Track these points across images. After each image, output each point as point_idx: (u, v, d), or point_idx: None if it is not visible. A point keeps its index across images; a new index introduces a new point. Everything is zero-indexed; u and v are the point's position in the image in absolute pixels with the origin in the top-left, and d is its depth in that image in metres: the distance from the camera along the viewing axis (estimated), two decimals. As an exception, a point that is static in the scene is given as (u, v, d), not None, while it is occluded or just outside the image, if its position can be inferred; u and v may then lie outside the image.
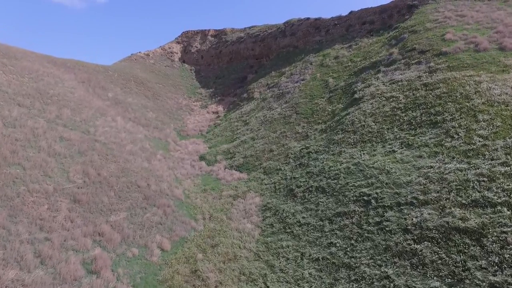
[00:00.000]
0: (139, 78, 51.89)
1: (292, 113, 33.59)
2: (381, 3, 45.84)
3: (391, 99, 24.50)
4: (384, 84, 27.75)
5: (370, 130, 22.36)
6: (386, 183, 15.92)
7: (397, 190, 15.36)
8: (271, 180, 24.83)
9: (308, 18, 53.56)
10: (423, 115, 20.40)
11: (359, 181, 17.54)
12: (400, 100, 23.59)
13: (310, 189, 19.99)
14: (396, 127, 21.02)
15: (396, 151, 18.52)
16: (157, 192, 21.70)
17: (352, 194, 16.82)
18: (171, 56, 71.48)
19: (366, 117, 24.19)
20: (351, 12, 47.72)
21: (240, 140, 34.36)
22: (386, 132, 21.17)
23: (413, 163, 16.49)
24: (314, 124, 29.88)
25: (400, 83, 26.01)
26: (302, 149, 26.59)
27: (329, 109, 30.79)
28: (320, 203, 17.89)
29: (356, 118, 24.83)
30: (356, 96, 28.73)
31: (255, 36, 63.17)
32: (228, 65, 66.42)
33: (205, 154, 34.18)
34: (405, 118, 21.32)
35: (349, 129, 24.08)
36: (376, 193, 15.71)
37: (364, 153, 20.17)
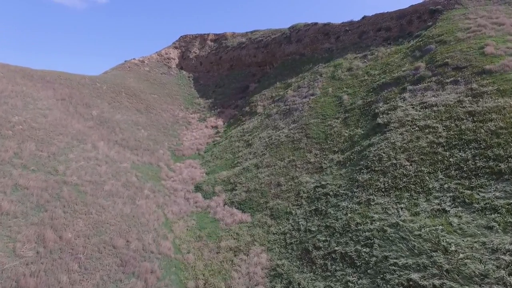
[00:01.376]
0: (131, 89, 47.49)
1: (302, 137, 29.12)
2: (395, 8, 41.34)
3: (427, 130, 20.01)
4: (413, 107, 23.25)
5: (405, 172, 17.86)
6: (447, 270, 11.44)
7: None
8: (280, 229, 20.38)
9: (316, 23, 49.07)
10: (477, 157, 15.90)
11: (403, 256, 13.06)
12: (440, 133, 19.09)
13: (333, 255, 15.51)
14: (441, 172, 16.52)
15: (449, 211, 14.03)
16: (139, 251, 17.28)
17: (396, 279, 12.34)
18: (168, 62, 67.09)
19: (396, 152, 19.69)
20: (364, 17, 43.20)
21: (242, 167, 29.90)
22: (427, 177, 16.68)
23: (481, 238, 12.01)
24: (328, 153, 25.41)
25: (435, 108, 21.51)
26: (316, 186, 22.12)
27: (346, 134, 26.30)
28: (350, 284, 13.40)
29: (384, 152, 20.33)
30: (379, 120, 24.22)
31: (258, 41, 58.72)
32: (228, 73, 62.01)
33: (202, 183, 29.74)
34: (450, 159, 16.82)
35: (376, 168, 19.58)
36: (434, 285, 11.22)
37: (402, 208, 15.69)
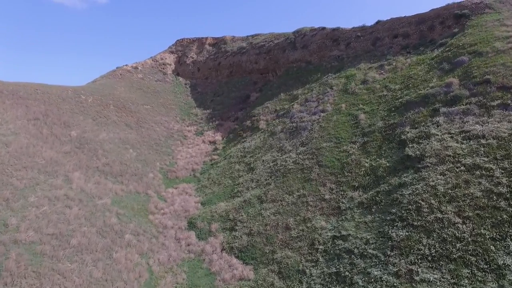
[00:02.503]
0: (121, 101, 43.26)
1: (313, 164, 24.88)
2: (407, 12, 37.13)
3: (478, 172, 15.78)
4: (453, 137, 19.02)
5: (457, 234, 13.64)
6: None
7: None
8: (291, 296, 16.15)
9: (323, 28, 44.84)
10: (563, 224, 11.66)
11: None
12: (498, 178, 14.87)
13: None
14: (511, 239, 12.30)
15: (540, 313, 9.78)
16: None
17: None
18: (163, 68, 62.88)
19: (440, 201, 15.46)
20: (378, 22, 38.98)
21: (242, 199, 25.67)
22: (492, 247, 12.45)
23: None
24: (347, 188, 21.19)
25: (483, 141, 17.28)
26: (335, 237, 17.90)
27: (366, 164, 22.07)
28: None
29: (423, 199, 16.10)
30: (409, 151, 19.98)
31: (259, 46, 54.49)
32: (228, 80, 57.78)
33: (197, 218, 25.50)
34: (522, 221, 12.58)
35: (414, 221, 15.35)
36: None
37: (463, 295, 11.47)
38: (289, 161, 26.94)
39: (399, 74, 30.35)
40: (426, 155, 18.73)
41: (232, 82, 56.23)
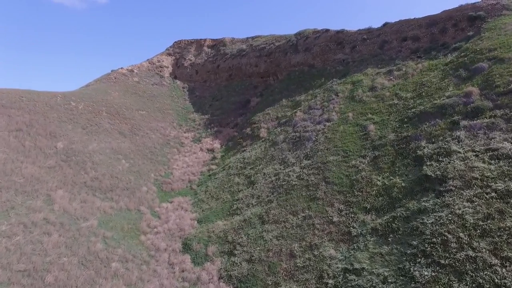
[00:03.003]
0: (114, 107, 41.18)
1: (319, 181, 22.81)
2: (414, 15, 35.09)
3: (510, 199, 13.73)
4: (478, 156, 16.96)
5: (496, 279, 11.57)
6: None
7: None
8: None
9: (327, 30, 42.77)
10: None
11: None
12: (538, 209, 12.79)
13: None
14: None
15: None
16: None
17: None
18: (160, 71, 60.81)
19: (471, 235, 13.40)
20: (385, 24, 36.92)
21: (242, 217, 23.61)
22: (540, 299, 10.38)
23: None
24: (357, 210, 19.14)
25: (516, 163, 15.22)
26: (346, 270, 15.84)
27: (378, 183, 20.02)
28: None
29: (449, 232, 14.03)
30: (427, 171, 17.92)
31: (260, 49, 52.41)
32: (227, 83, 55.71)
33: (192, 239, 23.43)
34: None
35: (440, 258, 13.28)
36: None
37: None
38: (293, 175, 24.86)
39: (410, 80, 28.29)
40: (449, 176, 16.66)
41: (231, 86, 54.17)
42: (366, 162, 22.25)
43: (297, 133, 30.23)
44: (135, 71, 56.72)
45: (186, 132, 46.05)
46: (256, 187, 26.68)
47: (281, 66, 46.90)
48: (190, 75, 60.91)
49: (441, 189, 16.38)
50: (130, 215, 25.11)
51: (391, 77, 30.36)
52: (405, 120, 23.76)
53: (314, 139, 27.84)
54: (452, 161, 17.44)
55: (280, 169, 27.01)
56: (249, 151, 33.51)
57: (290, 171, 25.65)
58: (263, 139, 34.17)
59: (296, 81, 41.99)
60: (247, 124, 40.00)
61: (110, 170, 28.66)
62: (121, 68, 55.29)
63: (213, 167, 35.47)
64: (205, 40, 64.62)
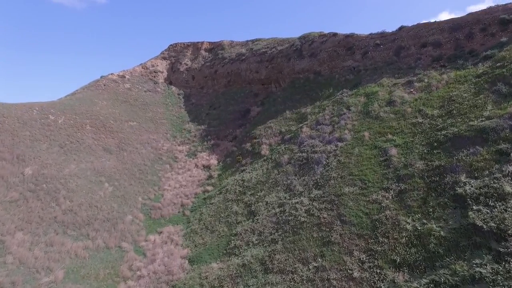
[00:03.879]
0: (100, 118, 37.35)
1: (333, 219, 19.01)
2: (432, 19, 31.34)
3: None
4: (544, 203, 13.11)
5: None
6: None
7: None
8: None
9: (335, 34, 38.93)
10: None
11: None
12: None
13: None
14: None
15: None
16: None
17: None
18: (154, 76, 56.97)
19: (560, 333, 9.55)
20: (401, 28, 33.08)
21: (241, 260, 19.80)
22: None
23: None
24: (385, 264, 15.32)
25: None
26: None
27: (408, 227, 16.21)
28: None
29: (524, 322, 10.20)
30: (476, 220, 14.10)
31: (261, 53, 48.57)
32: (225, 90, 51.89)
33: (181, 287, 19.62)
34: None
35: None
36: None
37: None
38: (301, 209, 21.04)
39: (435, 94, 24.46)
40: (509, 231, 12.83)
41: (230, 93, 50.33)
42: (390, 198, 18.44)
43: (304, 154, 26.40)
44: (127, 76, 52.88)
45: (181, 145, 42.25)
46: (257, 219, 22.86)
47: (284, 73, 43.08)
48: (186, 80, 57.08)
49: (501, 249, 12.56)
50: (109, 255, 21.31)
51: (412, 90, 26.53)
52: (435, 144, 19.94)
53: (324, 162, 24.01)
54: (509, 209, 13.62)
55: (286, 198, 23.19)
56: (249, 172, 29.71)
57: (298, 202, 21.82)
58: (264, 158, 30.35)
59: (301, 90, 38.15)
60: (247, 138, 36.18)
61: (89, 197, 24.85)
62: (112, 74, 51.43)
63: (209, 188, 31.68)
64: (202, 43, 60.79)
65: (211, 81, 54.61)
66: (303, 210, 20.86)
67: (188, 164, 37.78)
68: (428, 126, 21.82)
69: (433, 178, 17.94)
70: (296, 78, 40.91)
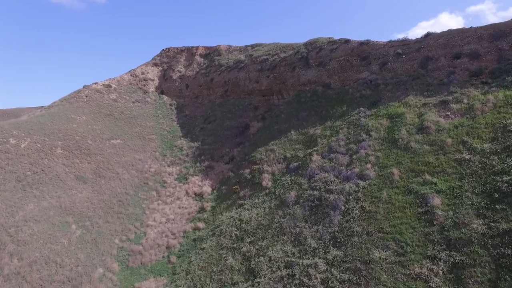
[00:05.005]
0: (76, 138, 32.32)
1: (362, 300, 13.97)
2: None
3: None
4: None
5: None
6: None
7: None
8: None
9: (347, 40, 33.93)
10: None
11: None
12: None
13: None
14: None
15: None
16: None
17: None
18: (144, 85, 51.92)
19: None
20: (428, 35, 28.11)
21: None
22: None
23: None
24: None
25: None
26: None
27: (476, 329, 11.15)
28: None
29: None
30: None
31: (261, 61, 43.56)
32: (222, 101, 46.88)
33: None
34: None
35: None
36: None
37: None
38: (315, 277, 16.03)
39: (481, 121, 19.48)
40: None
41: (227, 105, 45.31)
42: (441, 274, 13.46)
43: (315, 192, 21.38)
44: (113, 86, 47.82)
45: (171, 166, 37.21)
46: (258, 283, 17.83)
47: (288, 84, 38.08)
48: (179, 89, 52.05)
49: None
50: (65, 336, 16.25)
51: (448, 113, 21.55)
52: (495, 195, 14.98)
53: (343, 207, 19.00)
54: None
55: (294, 255, 18.17)
56: (248, 208, 24.69)
57: (311, 265, 16.80)
58: (266, 191, 25.33)
59: (308, 105, 33.14)
60: (246, 162, 31.15)
61: (46, 250, 19.81)
62: (96, 83, 46.36)
63: (201, 225, 26.65)
64: (197, 47, 55.76)
65: (207, 91, 49.60)
66: (319, 280, 15.84)
67: (177, 191, 32.74)
68: (480, 166, 16.84)
69: (502, 249, 12.97)
70: (302, 91, 35.90)
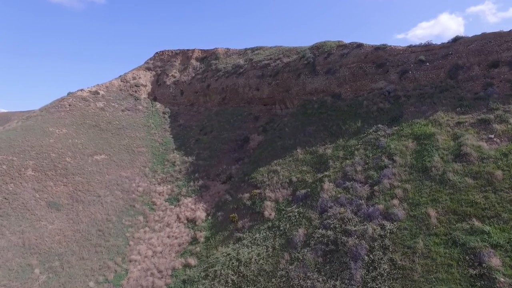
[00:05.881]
0: (52, 156, 28.48)
1: None
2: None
3: None
4: None
5: None
6: None
7: None
8: None
9: (360, 45, 30.10)
10: None
11: None
12: None
13: None
14: None
15: None
16: None
17: None
18: (136, 91, 48.06)
19: None
20: (457, 40, 24.27)
21: None
22: None
23: None
24: None
25: None
26: None
27: None
28: None
29: None
30: None
31: (262, 66, 39.71)
32: (219, 109, 43.03)
33: None
34: None
35: None
36: None
37: None
38: None
39: (538, 148, 15.62)
40: None
41: (224, 114, 41.46)
42: None
43: (329, 232, 17.53)
44: (101, 92, 43.95)
45: (161, 184, 33.34)
46: None
47: (292, 92, 34.24)
48: (173, 96, 48.20)
49: None
50: None
51: (492, 136, 17.71)
52: None
53: (366, 258, 15.14)
54: None
55: (306, 322, 14.28)
56: (247, 245, 20.84)
57: None
58: (269, 223, 21.48)
59: (316, 118, 29.28)
60: (245, 184, 27.30)
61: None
62: (81, 90, 42.49)
63: (192, 261, 22.77)
64: (193, 51, 51.89)
65: (203, 98, 45.76)
66: None
67: (168, 215, 28.89)
68: (548, 212, 12.99)
69: None
70: (308, 101, 32.05)
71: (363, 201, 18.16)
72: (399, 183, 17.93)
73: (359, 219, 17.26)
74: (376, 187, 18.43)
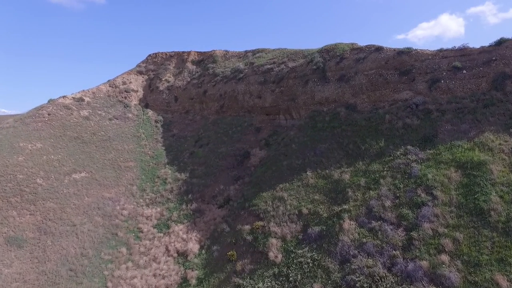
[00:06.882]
0: (19, 178, 24.42)
1: None
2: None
3: None
4: None
5: None
6: None
7: None
8: None
9: (378, 48, 25.97)
10: None
11: None
12: None
13: None
14: None
15: None
16: None
17: None
18: (125, 97, 43.96)
19: None
20: (501, 43, 20.18)
21: None
22: None
23: None
24: None
25: None
26: None
27: None
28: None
29: None
30: None
31: (265, 71, 35.59)
32: (217, 118, 38.93)
33: None
34: None
35: None
36: None
37: None
38: None
39: None
40: None
41: (222, 124, 37.35)
42: None
43: (353, 285, 13.40)
44: (86, 99, 39.86)
45: (150, 206, 29.23)
46: None
47: (299, 101, 30.16)
48: (167, 102, 44.11)
49: None
50: None
51: None
52: None
53: None
54: None
55: None
56: (248, 297, 16.69)
57: None
58: (275, 270, 17.36)
59: (327, 133, 25.16)
60: (245, 212, 23.18)
61: None
62: (64, 96, 38.39)
63: (181, 312, 18.62)
64: (188, 53, 47.79)
65: (199, 105, 41.69)
66: None
67: (155, 246, 24.78)
68: None
69: None
70: (317, 112, 27.97)
71: (398, 251, 14.06)
72: (445, 230, 13.83)
73: (395, 278, 13.15)
74: (414, 233, 14.31)
